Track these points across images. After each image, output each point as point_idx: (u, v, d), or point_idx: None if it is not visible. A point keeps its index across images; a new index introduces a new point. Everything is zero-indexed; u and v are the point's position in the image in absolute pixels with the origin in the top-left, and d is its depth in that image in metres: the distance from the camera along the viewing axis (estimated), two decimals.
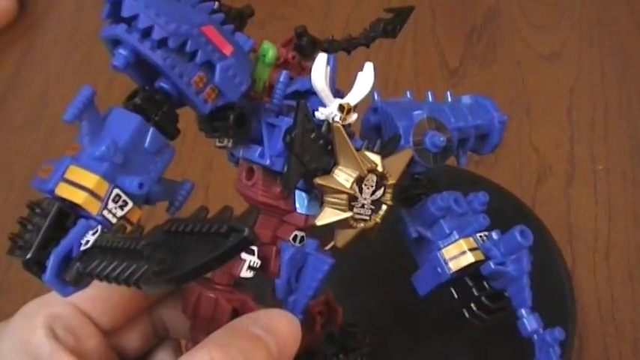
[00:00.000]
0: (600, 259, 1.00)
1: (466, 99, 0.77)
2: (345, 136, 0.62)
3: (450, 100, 0.77)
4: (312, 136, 0.62)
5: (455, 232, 0.70)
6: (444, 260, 0.69)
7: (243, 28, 0.69)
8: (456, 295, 0.70)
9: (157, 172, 0.58)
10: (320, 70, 0.64)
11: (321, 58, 0.65)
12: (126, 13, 0.57)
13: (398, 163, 0.65)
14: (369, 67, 0.67)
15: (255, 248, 0.66)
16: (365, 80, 0.67)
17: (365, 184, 0.63)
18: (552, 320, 0.65)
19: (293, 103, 0.66)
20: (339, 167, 0.62)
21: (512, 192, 0.99)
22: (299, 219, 0.66)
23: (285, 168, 0.62)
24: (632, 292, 0.98)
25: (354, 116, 0.66)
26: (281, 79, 0.65)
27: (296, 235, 0.67)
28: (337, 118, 0.65)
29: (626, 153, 1.09)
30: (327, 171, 0.62)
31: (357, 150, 0.64)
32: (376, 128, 0.73)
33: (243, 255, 0.65)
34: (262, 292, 0.69)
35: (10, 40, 1.45)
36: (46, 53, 1.45)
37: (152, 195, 0.58)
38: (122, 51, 0.58)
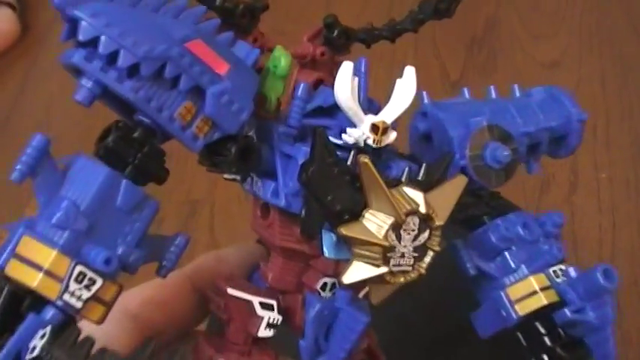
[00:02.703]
0: None
1: (538, 93, 0.60)
2: (376, 172, 0.46)
3: (517, 94, 0.61)
4: (335, 171, 0.47)
5: (523, 267, 0.55)
6: (510, 301, 0.54)
7: (255, 27, 0.53)
8: (524, 342, 0.55)
9: (135, 235, 0.45)
10: (345, 83, 0.49)
11: (346, 67, 0.49)
12: (83, 35, 0.43)
13: (447, 196, 0.50)
14: (409, 72, 0.51)
15: (273, 302, 0.52)
16: (405, 90, 0.51)
17: (404, 229, 0.48)
18: None
19: (318, 121, 0.51)
20: (370, 211, 0.47)
21: (516, 202, 0.91)
22: (327, 265, 0.52)
23: (303, 212, 0.48)
24: (638, 300, 0.98)
25: (392, 135, 0.51)
26: (298, 93, 0.50)
27: (325, 283, 0.53)
28: (370, 141, 0.50)
29: (628, 160, 1.09)
30: (356, 214, 0.47)
31: (396, 182, 0.49)
32: (426, 137, 0.57)
33: (260, 311, 0.52)
34: (291, 340, 0.55)
35: (12, 61, 1.44)
36: (49, 73, 1.41)
37: (131, 262, 0.44)
38: (85, 83, 0.44)
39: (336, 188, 0.47)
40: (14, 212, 0.46)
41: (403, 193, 0.48)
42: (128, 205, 0.44)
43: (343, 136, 0.50)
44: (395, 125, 0.52)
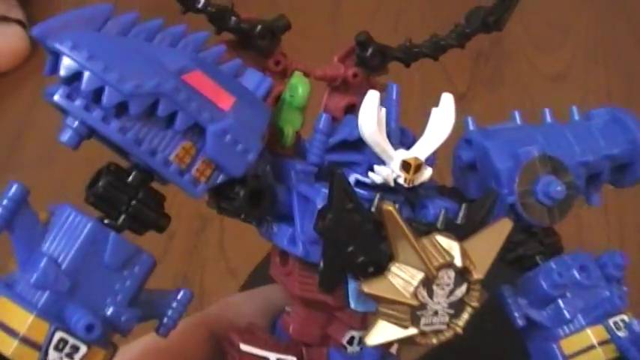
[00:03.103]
0: None
1: (599, 115, 0.53)
2: (401, 221, 0.40)
3: (576, 117, 0.53)
4: (357, 218, 0.41)
5: (579, 316, 0.48)
6: (564, 356, 0.48)
7: (276, 48, 0.48)
8: None
9: (126, 294, 0.39)
10: (370, 115, 0.43)
11: (371, 97, 0.43)
12: (64, 71, 0.38)
13: (490, 244, 0.43)
14: (447, 100, 0.45)
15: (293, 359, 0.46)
16: (441, 120, 0.45)
17: (437, 284, 0.41)
18: None
19: (343, 157, 0.45)
20: (397, 264, 0.41)
21: None
22: (354, 317, 0.46)
23: (321, 263, 0.42)
24: None
25: (426, 173, 0.44)
26: (320, 125, 0.44)
27: (352, 337, 0.47)
28: (401, 180, 0.43)
29: None
30: (381, 267, 0.41)
31: (428, 228, 0.42)
32: (471, 166, 0.51)
33: None
34: None
35: (22, 79, 1.39)
36: None
37: (123, 323, 0.39)
38: (70, 123, 0.39)
39: (357, 238, 0.41)
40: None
41: (436, 243, 0.41)
42: (117, 262, 0.39)
43: (370, 174, 0.44)
44: (432, 160, 0.45)
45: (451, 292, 0.42)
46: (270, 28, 0.47)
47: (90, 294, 0.38)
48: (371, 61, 0.50)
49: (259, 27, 0.46)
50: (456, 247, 0.41)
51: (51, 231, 0.38)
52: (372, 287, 0.40)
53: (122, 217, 0.40)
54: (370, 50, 0.49)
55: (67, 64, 0.37)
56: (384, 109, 0.43)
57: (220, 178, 0.41)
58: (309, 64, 0.49)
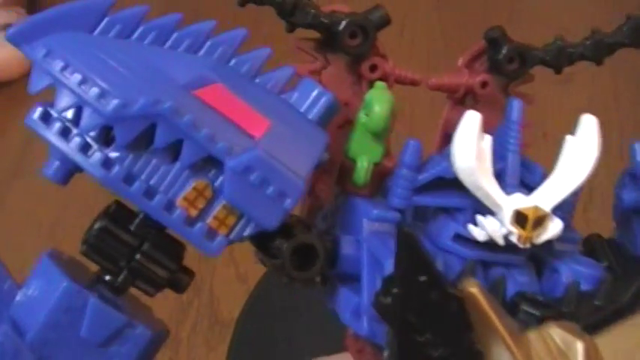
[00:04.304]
0: None
1: None
2: (490, 310, 0.27)
3: None
4: (433, 296, 0.28)
5: None
6: None
7: (371, 50, 0.36)
8: None
9: None
10: (467, 145, 0.30)
11: (469, 120, 0.30)
12: (32, 86, 0.28)
13: (635, 344, 0.29)
14: (589, 124, 0.31)
15: None
16: (580, 152, 0.31)
17: None
18: None
19: (436, 201, 0.32)
20: None
21: None
22: None
23: (385, 354, 0.30)
24: None
25: (553, 227, 0.31)
26: (406, 157, 0.32)
27: None
28: (513, 238, 0.30)
29: None
30: None
31: (545, 311, 0.29)
32: (637, 211, 0.36)
33: None
34: None
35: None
36: None
37: None
38: (54, 152, 0.29)
39: (434, 323, 0.28)
40: None
41: (549, 339, 0.28)
42: (98, 336, 0.29)
43: (470, 228, 0.31)
44: (571, 205, 0.32)
45: None
46: (359, 24, 0.35)
47: None
48: (506, 66, 0.37)
49: (344, 22, 0.34)
50: (579, 347, 0.28)
51: (26, 287, 0.30)
52: None
53: (123, 274, 0.30)
54: (505, 51, 0.36)
55: (36, 77, 0.28)
56: (488, 137, 0.30)
57: (251, 230, 0.29)
58: (419, 71, 0.37)
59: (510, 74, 0.38)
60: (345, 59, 0.36)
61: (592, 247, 0.36)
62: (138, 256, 0.30)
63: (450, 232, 0.32)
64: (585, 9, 1.27)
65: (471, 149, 0.30)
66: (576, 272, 0.32)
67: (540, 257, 0.33)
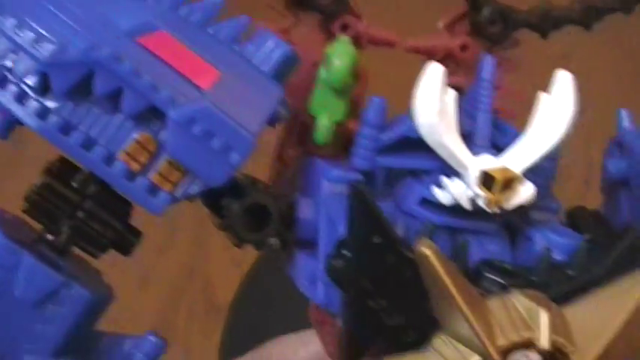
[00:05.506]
0: None
1: None
2: (443, 272, 0.25)
3: None
4: (390, 260, 0.26)
5: None
6: None
7: (342, 8, 0.33)
8: None
9: (52, 339, 0.27)
10: (428, 100, 0.27)
11: (430, 73, 0.28)
12: None
13: (608, 315, 0.26)
14: (564, 81, 0.28)
15: None
16: (554, 110, 0.28)
17: None
18: None
19: (400, 162, 0.30)
20: (442, 337, 0.26)
21: None
22: None
23: (341, 322, 0.28)
24: None
25: (524, 192, 0.28)
26: (369, 115, 0.30)
27: None
28: (481, 202, 0.28)
29: None
30: (426, 334, 0.26)
31: (514, 281, 0.27)
32: (624, 182, 0.33)
33: None
34: None
35: None
36: None
37: None
38: None
39: (390, 290, 0.26)
40: None
41: (513, 308, 0.26)
42: (34, 296, 0.27)
43: (435, 191, 0.29)
44: (546, 174, 0.30)
45: None
46: None
47: None
48: (488, 29, 0.35)
49: None
50: (543, 317, 0.25)
51: None
52: None
53: (64, 232, 0.28)
54: (486, 12, 0.34)
55: None
56: (452, 92, 0.28)
57: (194, 189, 0.27)
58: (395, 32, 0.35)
59: (492, 37, 0.35)
60: (317, 18, 0.34)
61: (575, 219, 0.34)
62: (80, 214, 0.28)
63: (416, 196, 0.29)
64: None
65: (432, 104, 0.27)
66: (551, 241, 0.30)
67: (516, 226, 0.31)
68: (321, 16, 0.34)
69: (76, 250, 0.29)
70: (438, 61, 0.36)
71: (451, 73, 0.34)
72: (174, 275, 0.70)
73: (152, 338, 0.29)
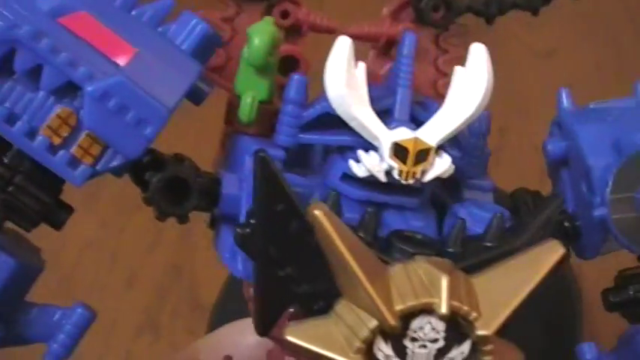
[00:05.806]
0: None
1: None
2: (334, 234, 0.25)
3: None
4: (293, 227, 0.26)
5: None
6: None
7: None
8: None
9: None
10: (336, 71, 0.28)
11: (339, 46, 0.28)
12: None
13: (517, 282, 0.26)
14: (478, 53, 0.29)
15: None
16: (471, 84, 0.29)
17: (412, 339, 0.26)
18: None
19: (325, 138, 0.31)
20: (343, 302, 0.26)
21: None
22: None
23: (252, 290, 0.28)
24: None
25: (440, 164, 0.29)
26: (291, 93, 0.30)
27: None
28: (395, 174, 0.28)
29: None
30: (328, 302, 0.26)
31: (422, 249, 0.27)
32: (564, 161, 0.33)
33: None
34: None
35: None
36: None
37: None
38: None
39: (295, 258, 0.26)
40: None
41: (414, 275, 0.26)
42: None
43: (351, 164, 0.29)
44: (471, 149, 0.30)
45: (442, 354, 0.26)
46: None
47: None
48: (431, 15, 0.35)
49: None
50: (444, 282, 0.25)
51: None
52: (295, 333, 0.26)
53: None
54: (429, 0, 0.35)
55: None
56: (362, 65, 0.29)
57: (117, 160, 0.28)
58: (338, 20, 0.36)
59: (436, 23, 0.36)
60: (260, 6, 0.35)
61: (516, 200, 0.34)
62: (10, 189, 0.29)
63: (337, 171, 0.30)
64: None
65: (340, 76, 0.28)
66: (473, 215, 0.30)
67: (445, 204, 0.31)
68: (262, 4, 0.35)
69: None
70: (380, 47, 0.37)
71: (393, 59, 0.35)
72: (161, 274, 0.70)
73: (80, 309, 0.30)
